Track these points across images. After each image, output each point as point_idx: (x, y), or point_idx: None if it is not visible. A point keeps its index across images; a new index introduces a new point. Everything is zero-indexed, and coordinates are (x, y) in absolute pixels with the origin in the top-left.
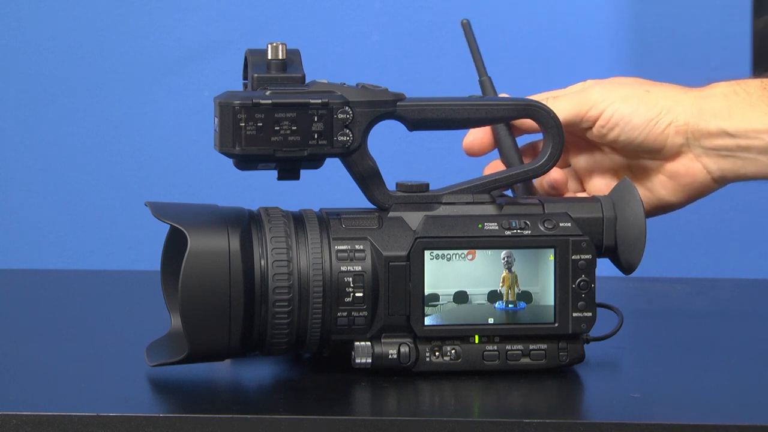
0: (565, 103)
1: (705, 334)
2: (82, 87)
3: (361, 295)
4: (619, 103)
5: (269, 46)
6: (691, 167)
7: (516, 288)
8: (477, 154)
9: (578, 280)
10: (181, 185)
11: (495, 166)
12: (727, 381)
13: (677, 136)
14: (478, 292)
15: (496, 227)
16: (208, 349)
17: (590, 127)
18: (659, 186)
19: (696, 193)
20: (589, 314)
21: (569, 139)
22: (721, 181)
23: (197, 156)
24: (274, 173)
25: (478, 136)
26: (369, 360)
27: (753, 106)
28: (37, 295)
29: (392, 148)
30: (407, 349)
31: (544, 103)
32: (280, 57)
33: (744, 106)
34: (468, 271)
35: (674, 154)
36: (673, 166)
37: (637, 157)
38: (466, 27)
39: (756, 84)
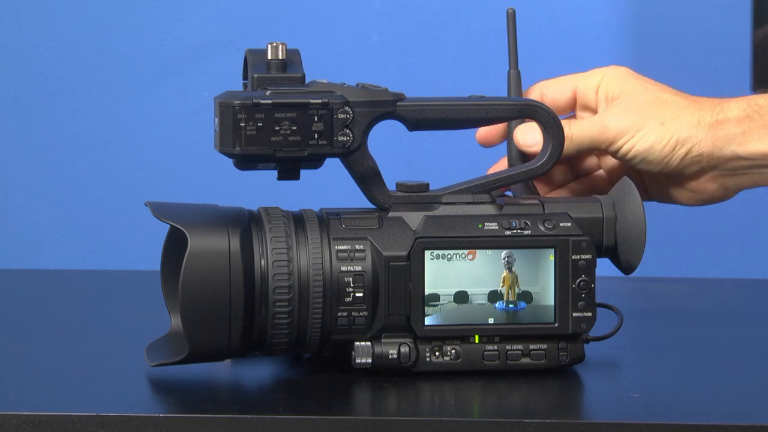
0: (585, 131)
1: (705, 334)
2: (82, 87)
3: (361, 295)
4: (635, 138)
5: (269, 46)
6: (709, 186)
7: (516, 288)
8: (489, 144)
9: (578, 280)
10: (181, 185)
11: (501, 166)
12: (727, 381)
13: (693, 165)
14: (479, 292)
15: (496, 227)
16: (208, 349)
17: (609, 154)
18: (676, 194)
19: (712, 202)
20: (589, 314)
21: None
22: (737, 191)
23: (197, 156)
24: (274, 173)
25: (491, 127)
26: (369, 360)
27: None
28: (37, 295)
29: (392, 148)
30: (407, 349)
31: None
32: (280, 57)
33: (760, 130)
34: (468, 271)
35: (691, 176)
36: (690, 184)
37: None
38: (511, 17)
39: None
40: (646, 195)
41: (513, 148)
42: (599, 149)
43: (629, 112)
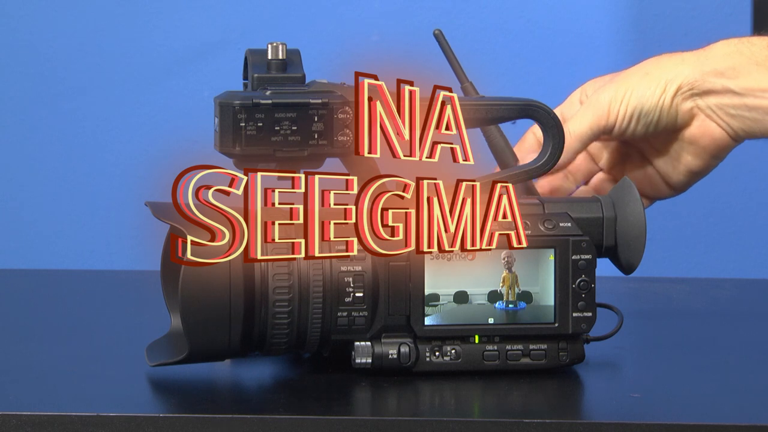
0: (581, 121)
1: (705, 334)
2: (82, 87)
3: (361, 295)
4: (628, 96)
5: (269, 46)
6: (707, 128)
7: (516, 288)
8: None
9: (578, 280)
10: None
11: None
12: (727, 381)
13: (685, 102)
14: (478, 292)
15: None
16: (208, 349)
17: (611, 131)
18: (684, 153)
19: (717, 152)
20: (589, 314)
21: (595, 153)
22: (737, 138)
23: (197, 156)
24: None
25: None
26: (369, 360)
27: (759, 66)
28: (37, 295)
29: None
30: (407, 349)
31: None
32: (280, 57)
33: (749, 65)
34: (468, 271)
35: (688, 119)
36: (690, 132)
37: (658, 136)
38: (440, 37)
39: (762, 44)
40: (671, 184)
41: (499, 152)
42: (602, 130)
43: (612, 83)
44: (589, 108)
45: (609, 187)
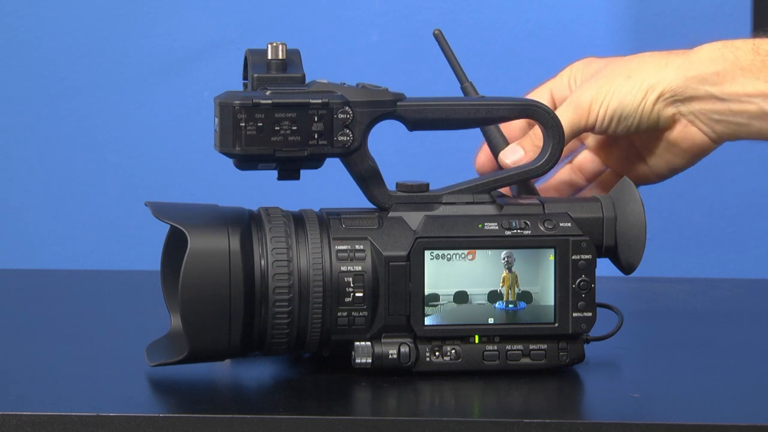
0: (561, 119)
1: (705, 334)
2: (82, 87)
3: (361, 295)
4: (609, 98)
5: (269, 46)
6: (688, 132)
7: (516, 288)
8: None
9: (578, 280)
10: (181, 185)
11: (484, 158)
12: (727, 381)
13: (667, 108)
14: (478, 292)
15: (496, 227)
16: (208, 349)
17: (592, 129)
18: (665, 152)
19: (699, 153)
20: (589, 314)
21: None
22: (718, 141)
23: (197, 156)
24: (274, 173)
25: (485, 156)
26: (369, 360)
27: (744, 71)
28: (37, 295)
29: (392, 148)
30: (407, 349)
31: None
32: (280, 57)
33: (734, 70)
34: (468, 271)
35: (670, 123)
36: (671, 135)
37: (640, 135)
38: (440, 37)
39: (747, 48)
40: (653, 174)
41: (496, 153)
42: (582, 129)
43: (596, 81)
44: (570, 106)
45: (601, 166)
